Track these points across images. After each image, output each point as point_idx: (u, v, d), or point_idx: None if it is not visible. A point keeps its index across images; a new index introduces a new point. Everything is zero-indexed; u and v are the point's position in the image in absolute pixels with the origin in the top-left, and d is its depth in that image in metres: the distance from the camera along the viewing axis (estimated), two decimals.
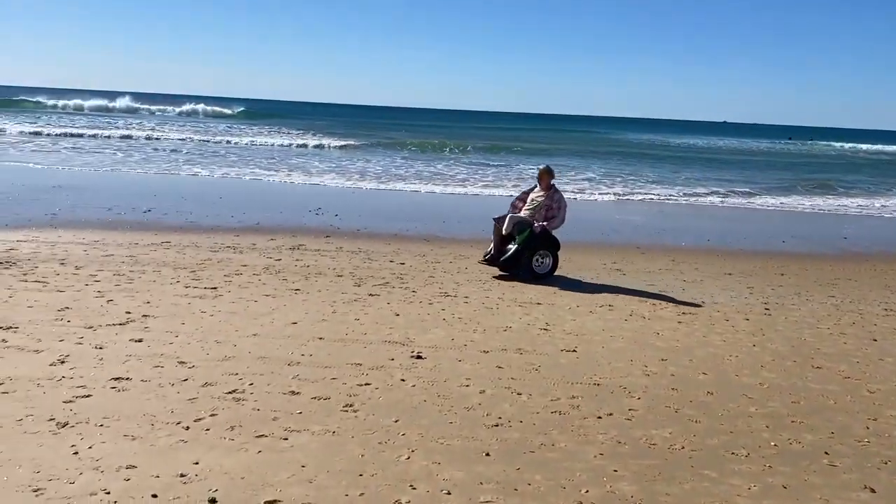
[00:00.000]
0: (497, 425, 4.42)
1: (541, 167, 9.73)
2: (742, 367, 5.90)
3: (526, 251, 9.12)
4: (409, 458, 3.91)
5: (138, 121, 48.60)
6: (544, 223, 9.23)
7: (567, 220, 9.49)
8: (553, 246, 9.34)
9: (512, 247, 9.21)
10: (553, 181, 9.59)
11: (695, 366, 5.89)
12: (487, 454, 4.00)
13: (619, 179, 25.23)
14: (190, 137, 34.54)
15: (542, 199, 9.45)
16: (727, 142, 70.82)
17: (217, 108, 63.94)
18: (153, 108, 63.58)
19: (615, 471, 3.87)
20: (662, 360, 6.00)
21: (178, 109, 62.67)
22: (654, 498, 3.61)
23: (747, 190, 23.74)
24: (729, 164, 37.36)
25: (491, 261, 9.42)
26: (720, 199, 21.18)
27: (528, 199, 9.66)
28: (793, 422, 4.80)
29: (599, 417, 4.65)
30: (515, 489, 3.61)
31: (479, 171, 25.87)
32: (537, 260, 9.22)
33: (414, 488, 3.57)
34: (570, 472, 3.84)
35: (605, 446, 4.20)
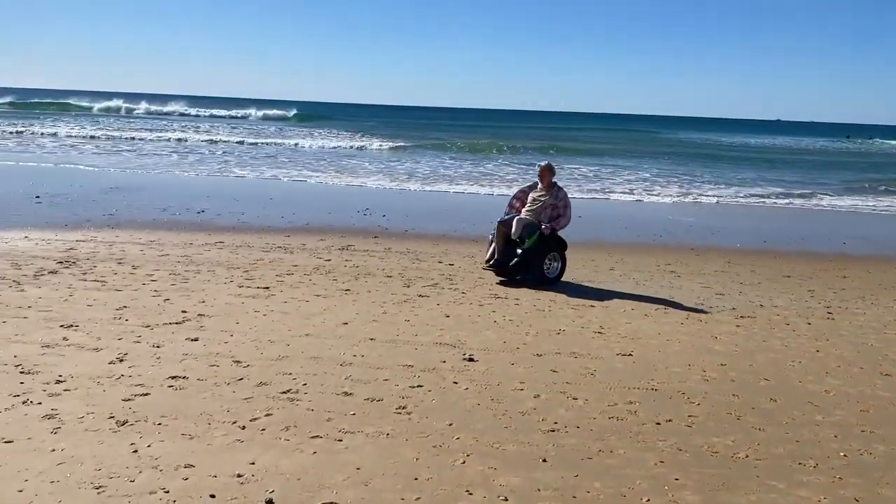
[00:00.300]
0: (553, 430, 4.34)
1: (541, 164, 9.20)
2: (806, 374, 5.69)
3: (536, 255, 8.63)
4: (464, 462, 3.85)
5: (193, 124, 49.75)
6: (551, 224, 8.74)
7: (573, 218, 9.02)
8: (561, 247, 8.87)
9: (520, 251, 8.69)
10: (554, 178, 9.10)
11: (756, 371, 5.70)
12: (544, 460, 3.92)
13: (674, 180, 24.82)
14: (243, 140, 35.21)
15: (546, 198, 8.92)
16: (782, 140, 69.13)
17: (271, 111, 64.77)
18: (208, 111, 64.90)
19: (677, 479, 3.75)
20: (721, 364, 5.82)
21: (231, 112, 63.78)
22: None
23: (806, 191, 23.04)
24: (784, 163, 36.43)
25: (496, 266, 8.86)
26: (776, 200, 20.62)
27: (529, 199, 9.13)
28: (862, 431, 4.59)
29: (658, 424, 4.53)
30: (574, 496, 3.53)
31: (530, 171, 25.76)
32: (547, 263, 8.75)
33: (470, 493, 3.51)
34: (629, 479, 3.73)
35: (666, 454, 4.07)
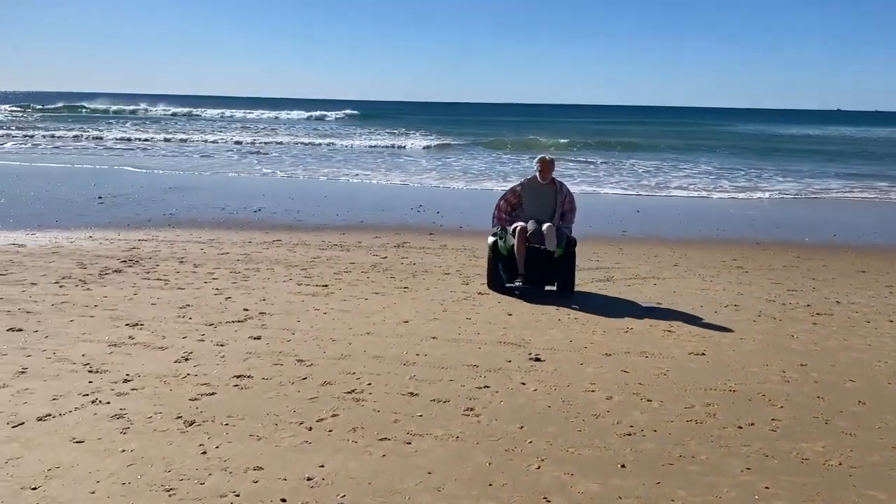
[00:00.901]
0: (629, 434, 4.14)
1: (544, 157, 7.97)
2: (894, 375, 5.36)
3: (569, 264, 7.64)
4: (539, 467, 3.69)
5: (254, 125, 50.80)
6: (569, 227, 7.83)
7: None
8: (574, 247, 7.75)
9: (552, 262, 7.66)
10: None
11: (839, 372, 5.39)
12: (623, 466, 3.73)
13: (740, 172, 24.30)
14: (300, 141, 35.61)
15: (554, 196, 7.89)
16: (846, 130, 66.80)
17: (328, 112, 65.28)
18: (266, 113, 65.92)
19: (767, 488, 3.52)
20: (802, 365, 5.53)
21: (288, 114, 64.61)
22: None
23: (883, 184, 21.95)
24: (848, 155, 35.02)
25: (529, 282, 7.73)
26: (847, 192, 19.80)
27: (529, 199, 7.94)
28: None
29: (740, 427, 4.29)
30: None
31: (590, 167, 25.54)
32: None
33: (549, 501, 3.35)
34: (715, 487, 3.52)
35: (751, 460, 3.84)
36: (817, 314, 7.13)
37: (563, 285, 7.76)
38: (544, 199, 7.88)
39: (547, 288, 7.87)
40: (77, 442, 3.85)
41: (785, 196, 18.75)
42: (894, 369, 5.49)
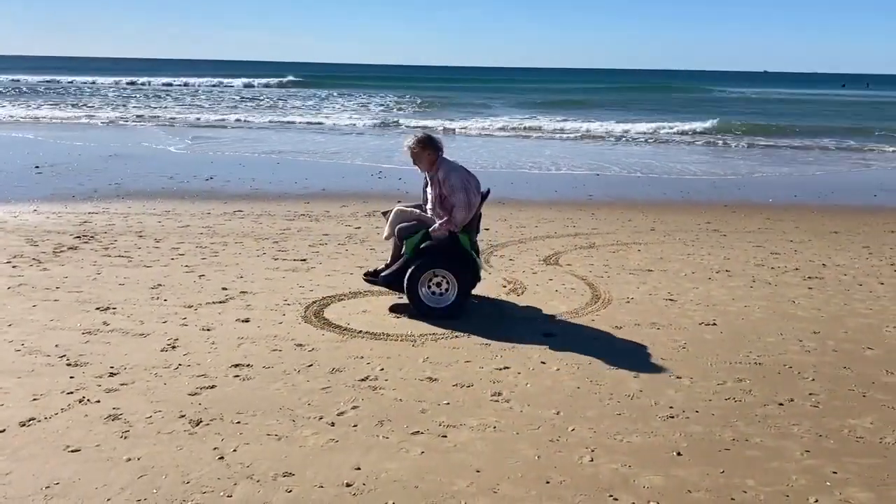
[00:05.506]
0: (672, 417, 3.91)
1: (407, 143, 5.68)
2: None
3: (410, 266, 5.59)
4: (591, 459, 3.42)
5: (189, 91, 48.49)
6: (445, 224, 5.52)
7: (467, 203, 5.52)
8: (458, 263, 5.62)
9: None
10: (440, 153, 5.65)
11: (854, 339, 5.29)
12: (678, 454, 3.49)
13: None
14: (242, 118, 33.70)
15: (432, 187, 5.73)
16: (778, 91, 68.40)
17: (265, 80, 61.05)
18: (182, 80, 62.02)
19: (835, 472, 3.34)
20: (815, 332, 5.41)
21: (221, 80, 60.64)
22: None
23: (822, 141, 22.51)
24: (782, 114, 35.73)
25: (367, 274, 6.04)
26: (800, 151, 20.17)
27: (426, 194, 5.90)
28: None
29: (781, 404, 4.11)
30: (732, 499, 3.11)
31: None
32: (430, 282, 5.60)
33: (615, 499, 3.09)
34: (782, 474, 3.31)
35: (807, 441, 3.66)
36: (809, 278, 7.07)
37: (407, 297, 5.68)
38: (427, 194, 5.88)
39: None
40: (73, 451, 3.38)
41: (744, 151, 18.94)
42: None
